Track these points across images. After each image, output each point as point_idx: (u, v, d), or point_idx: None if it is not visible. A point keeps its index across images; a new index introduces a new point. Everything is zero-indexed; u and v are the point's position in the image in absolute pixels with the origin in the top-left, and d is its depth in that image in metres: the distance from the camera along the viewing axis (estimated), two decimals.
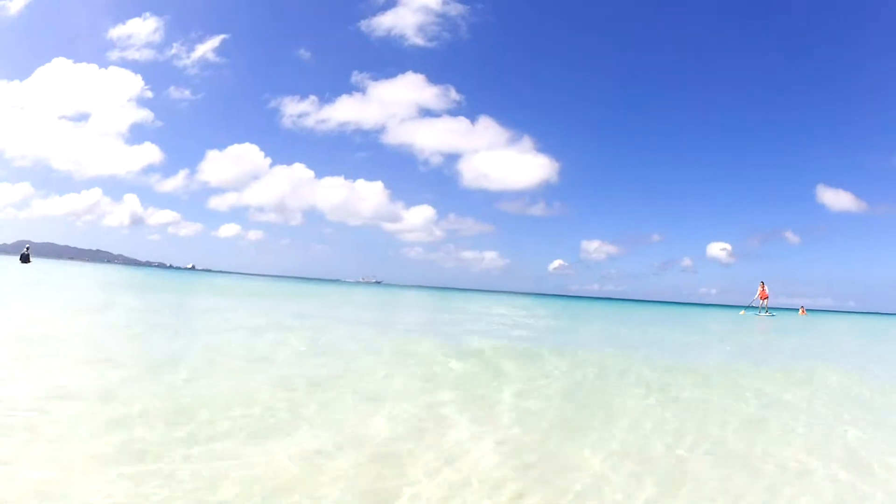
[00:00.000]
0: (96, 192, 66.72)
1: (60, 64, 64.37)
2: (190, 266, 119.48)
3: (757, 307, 31.81)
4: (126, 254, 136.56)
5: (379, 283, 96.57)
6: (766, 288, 31.50)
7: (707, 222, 72.93)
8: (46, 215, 70.30)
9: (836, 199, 64.74)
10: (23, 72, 68.68)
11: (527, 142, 64.11)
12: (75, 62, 64.58)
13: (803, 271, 66.84)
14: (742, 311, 34.32)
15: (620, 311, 36.22)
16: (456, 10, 59.88)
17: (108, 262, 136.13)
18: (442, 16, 60.53)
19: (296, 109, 63.37)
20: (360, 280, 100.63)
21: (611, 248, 67.35)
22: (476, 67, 72.07)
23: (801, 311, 41.37)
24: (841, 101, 64.99)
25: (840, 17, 63.82)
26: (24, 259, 49.50)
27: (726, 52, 66.18)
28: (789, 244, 64.41)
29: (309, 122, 63.25)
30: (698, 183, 71.05)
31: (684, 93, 70.34)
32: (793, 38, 66.78)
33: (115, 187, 79.11)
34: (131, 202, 66.36)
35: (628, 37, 68.87)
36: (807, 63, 66.03)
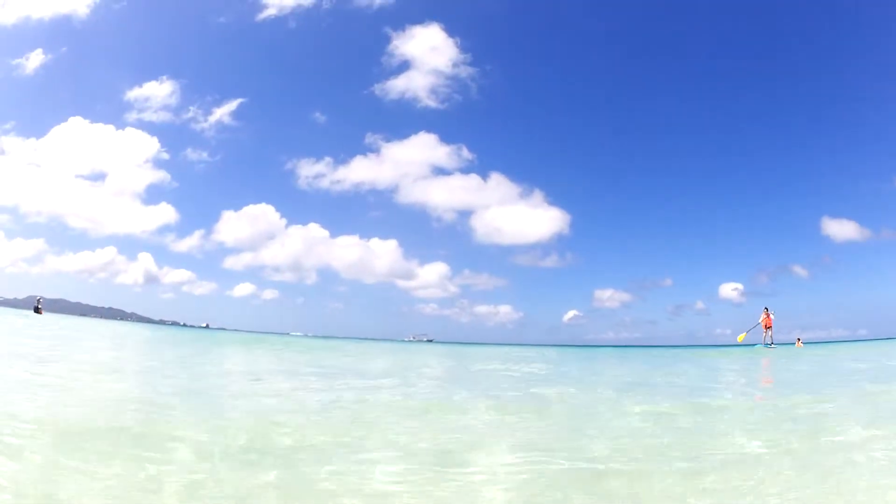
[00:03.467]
0: (111, 251, 67.88)
1: (77, 123, 66.93)
2: (204, 325, 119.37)
3: (766, 342, 28.24)
4: (139, 312, 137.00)
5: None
6: (770, 314, 28.39)
7: (717, 263, 72.81)
8: (59, 271, 71.63)
9: (840, 229, 65.07)
10: (39, 130, 71.18)
11: (538, 196, 65.65)
12: (92, 122, 66.94)
13: (814, 304, 66.41)
14: (740, 337, 30.20)
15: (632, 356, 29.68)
16: (466, 72, 63.05)
17: (122, 319, 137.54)
18: (452, 78, 63.59)
19: (311, 171, 65.79)
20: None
21: (624, 296, 67.50)
22: (487, 126, 74.95)
23: (797, 342, 41.61)
24: (838, 131, 66.29)
25: (829, 51, 66.11)
26: (37, 311, 51.08)
27: (727, 96, 68.54)
28: (798, 278, 64.24)
29: (324, 182, 65.50)
30: (706, 225, 71.51)
31: (688, 138, 71.97)
32: (787, 77, 68.89)
33: (129, 246, 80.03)
34: (146, 261, 67.52)
35: (632, 86, 71.03)
36: (806, 99, 67.75)
